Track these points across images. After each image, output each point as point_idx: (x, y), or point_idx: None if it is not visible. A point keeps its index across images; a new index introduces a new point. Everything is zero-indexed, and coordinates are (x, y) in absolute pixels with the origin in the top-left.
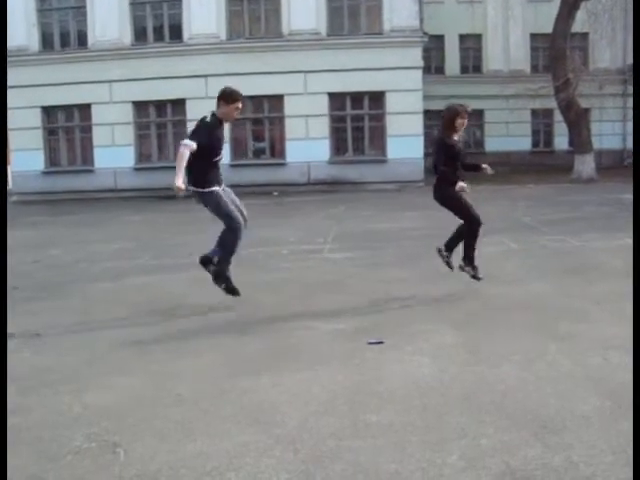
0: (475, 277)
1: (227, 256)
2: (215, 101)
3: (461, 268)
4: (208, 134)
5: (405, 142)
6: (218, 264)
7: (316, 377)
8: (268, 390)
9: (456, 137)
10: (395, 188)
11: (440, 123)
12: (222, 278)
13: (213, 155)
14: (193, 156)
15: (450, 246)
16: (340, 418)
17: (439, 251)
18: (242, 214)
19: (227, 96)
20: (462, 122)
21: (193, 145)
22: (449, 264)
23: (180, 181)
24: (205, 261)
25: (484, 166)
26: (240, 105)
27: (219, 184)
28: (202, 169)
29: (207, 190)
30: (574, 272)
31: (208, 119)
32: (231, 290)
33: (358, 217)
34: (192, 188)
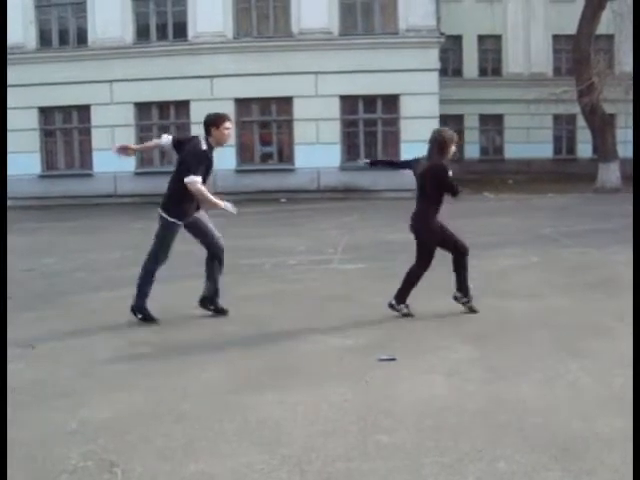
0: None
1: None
2: (203, 128)
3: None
4: (207, 166)
5: (420, 148)
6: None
7: (324, 395)
8: (273, 408)
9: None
10: (409, 196)
11: (432, 147)
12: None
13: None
14: (177, 181)
15: (403, 295)
16: (349, 438)
17: (392, 307)
18: (218, 241)
19: (215, 120)
20: (454, 149)
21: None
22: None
23: (221, 203)
24: (204, 301)
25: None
26: (229, 124)
27: (189, 216)
28: (181, 197)
29: (172, 220)
30: (597, 286)
31: (204, 148)
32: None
33: (370, 226)
34: (161, 212)
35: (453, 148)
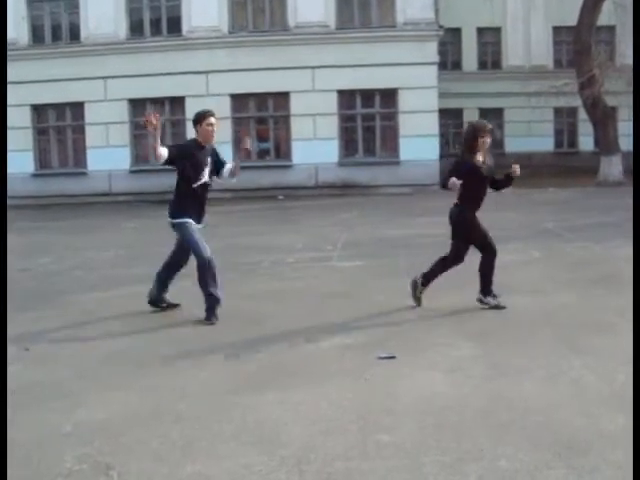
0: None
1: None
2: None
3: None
4: (181, 152)
5: (419, 143)
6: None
7: (323, 394)
8: (272, 407)
9: (480, 158)
10: (408, 192)
11: (464, 142)
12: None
13: (190, 180)
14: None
15: (428, 278)
16: (349, 437)
17: (414, 284)
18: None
19: (197, 117)
20: (483, 141)
21: (165, 151)
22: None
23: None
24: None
25: (513, 169)
26: (212, 120)
27: (194, 217)
28: (179, 196)
29: (177, 221)
30: (599, 282)
31: (187, 142)
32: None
33: (369, 223)
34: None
35: (487, 140)
